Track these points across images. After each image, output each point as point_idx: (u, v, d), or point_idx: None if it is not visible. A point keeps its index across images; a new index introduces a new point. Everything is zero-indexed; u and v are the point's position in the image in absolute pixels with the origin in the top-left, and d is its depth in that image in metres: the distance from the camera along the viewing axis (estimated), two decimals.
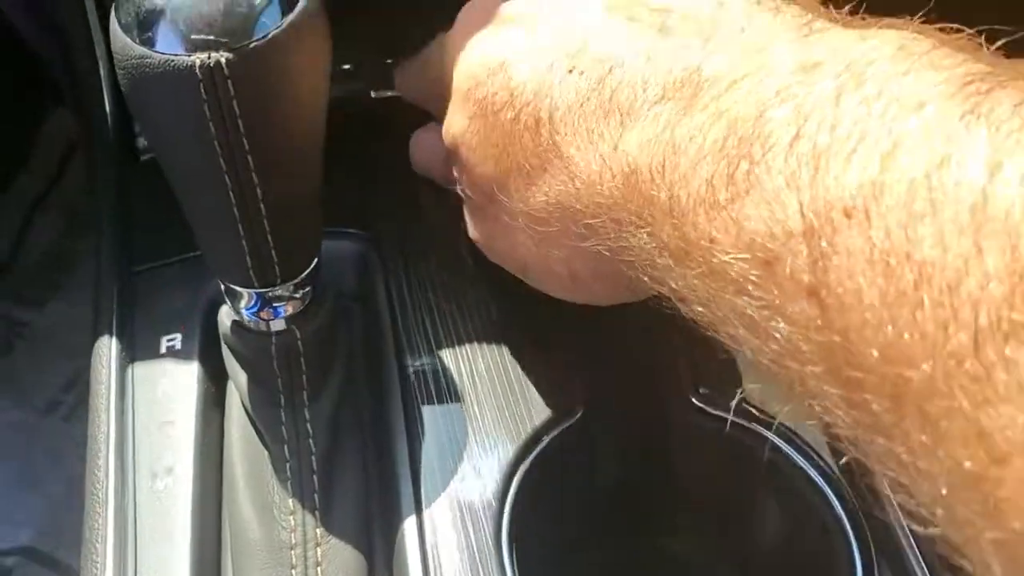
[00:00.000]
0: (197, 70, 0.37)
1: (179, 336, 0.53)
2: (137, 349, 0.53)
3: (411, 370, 0.51)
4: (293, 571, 0.44)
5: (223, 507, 0.48)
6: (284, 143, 0.41)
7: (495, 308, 0.53)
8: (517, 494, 0.47)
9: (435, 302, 0.54)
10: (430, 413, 0.49)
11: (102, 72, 0.65)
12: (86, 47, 0.65)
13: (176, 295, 0.55)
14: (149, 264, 0.58)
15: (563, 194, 0.39)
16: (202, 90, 0.38)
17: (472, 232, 0.49)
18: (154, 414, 0.50)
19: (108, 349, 0.53)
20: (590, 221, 0.38)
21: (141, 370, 0.52)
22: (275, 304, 0.46)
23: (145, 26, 0.39)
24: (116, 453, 0.48)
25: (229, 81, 0.38)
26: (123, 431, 0.50)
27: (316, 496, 0.46)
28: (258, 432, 0.48)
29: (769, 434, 0.49)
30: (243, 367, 0.49)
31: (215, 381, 0.52)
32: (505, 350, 0.52)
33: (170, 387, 0.51)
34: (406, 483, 0.47)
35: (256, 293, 0.46)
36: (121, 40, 0.39)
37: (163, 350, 0.53)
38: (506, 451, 0.48)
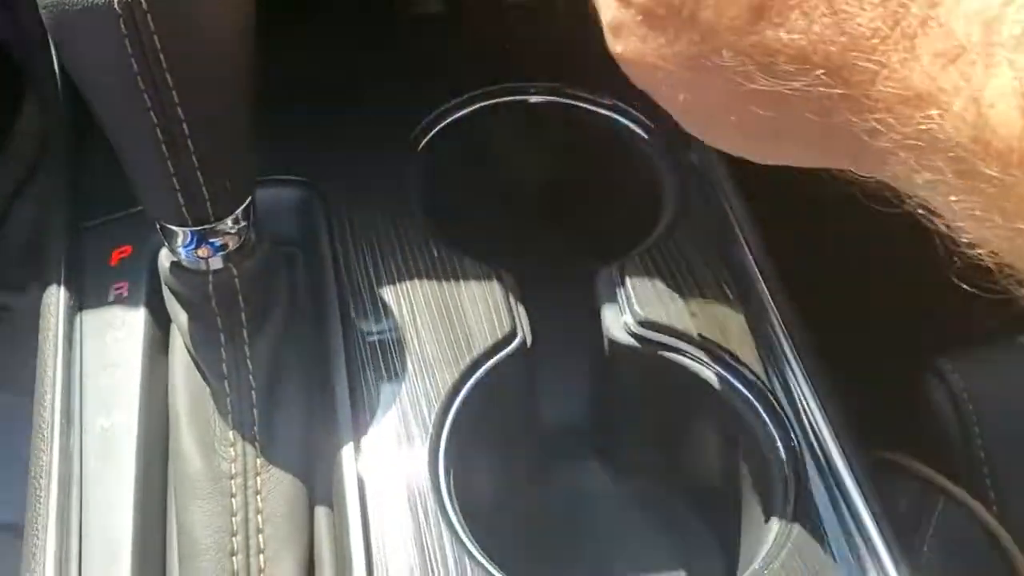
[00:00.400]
0: (116, 5, 0.38)
1: (126, 284, 0.54)
2: (85, 298, 0.54)
3: (352, 308, 0.52)
4: (233, 500, 0.45)
5: (171, 445, 0.49)
6: (207, 78, 0.42)
7: (435, 245, 0.54)
8: (455, 422, 0.48)
9: (376, 242, 0.55)
10: (371, 348, 0.50)
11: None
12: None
13: (123, 246, 0.56)
14: (98, 219, 0.58)
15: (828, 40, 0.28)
16: (122, 25, 0.38)
17: (620, 47, 0.37)
18: (102, 358, 0.51)
19: (56, 298, 0.54)
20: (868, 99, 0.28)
21: (89, 317, 0.53)
22: (210, 240, 0.47)
23: None
24: (63, 394, 0.49)
25: (148, 16, 0.38)
26: (70, 374, 0.50)
27: (256, 428, 0.47)
28: (200, 370, 0.49)
29: (700, 355, 0.50)
30: (183, 307, 0.49)
31: (161, 326, 0.53)
32: (445, 285, 0.53)
33: (118, 332, 0.52)
34: (345, 414, 0.48)
35: (191, 231, 0.46)
36: None
37: (111, 298, 0.54)
38: (445, 380, 0.48)
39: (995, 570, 0.62)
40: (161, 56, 0.40)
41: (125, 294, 0.54)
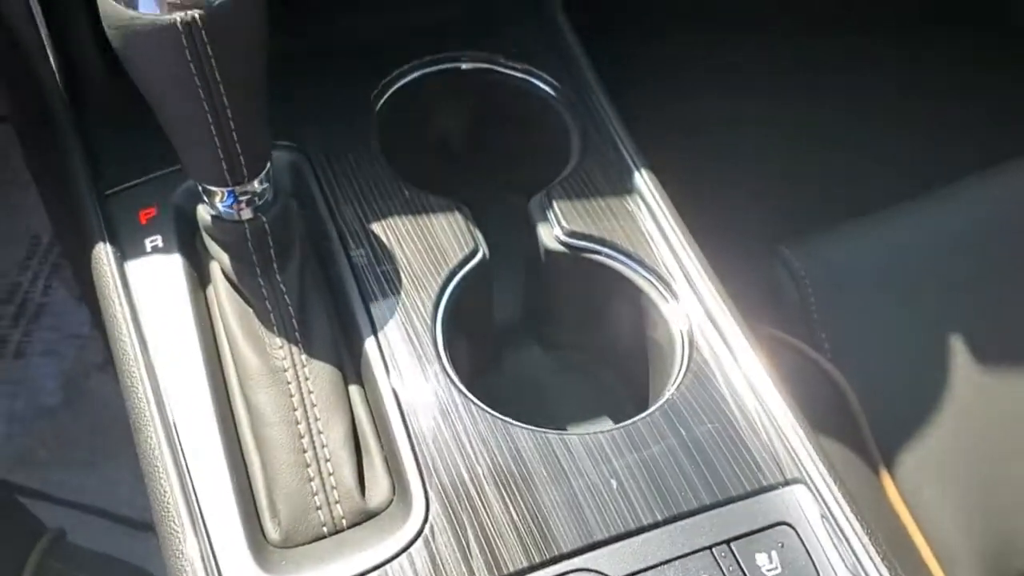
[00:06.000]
0: (179, 25, 0.52)
1: (160, 237, 0.68)
2: (127, 252, 0.67)
3: (350, 239, 0.67)
4: (290, 386, 0.61)
5: (220, 351, 0.64)
6: (244, 74, 0.56)
7: (404, 187, 0.70)
8: (443, 316, 0.64)
9: (358, 188, 0.70)
10: (371, 269, 0.66)
11: (43, 33, 0.76)
12: (26, 14, 0.76)
13: (148, 208, 0.69)
14: (118, 187, 0.71)
15: None
16: (184, 40, 0.52)
17: None
18: (154, 298, 0.65)
19: (105, 254, 0.67)
20: None
21: (134, 267, 0.67)
22: (242, 197, 0.61)
23: None
24: (133, 325, 0.63)
25: (203, 31, 0.52)
26: (134, 311, 0.64)
27: (297, 333, 0.63)
28: (242, 296, 0.64)
29: (612, 253, 0.68)
30: (224, 250, 0.64)
31: (195, 267, 0.67)
32: (418, 217, 0.69)
33: (161, 276, 0.66)
34: (362, 317, 0.64)
35: (228, 191, 0.61)
36: (111, 7, 0.52)
37: (148, 250, 0.68)
38: (432, 286, 0.65)
39: (830, 398, 0.84)
40: (212, 61, 0.53)
41: (160, 245, 0.68)
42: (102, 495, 1.28)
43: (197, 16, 0.51)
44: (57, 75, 0.76)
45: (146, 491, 0.60)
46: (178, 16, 0.51)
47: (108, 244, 0.68)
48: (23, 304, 1.45)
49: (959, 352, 0.88)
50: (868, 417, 0.84)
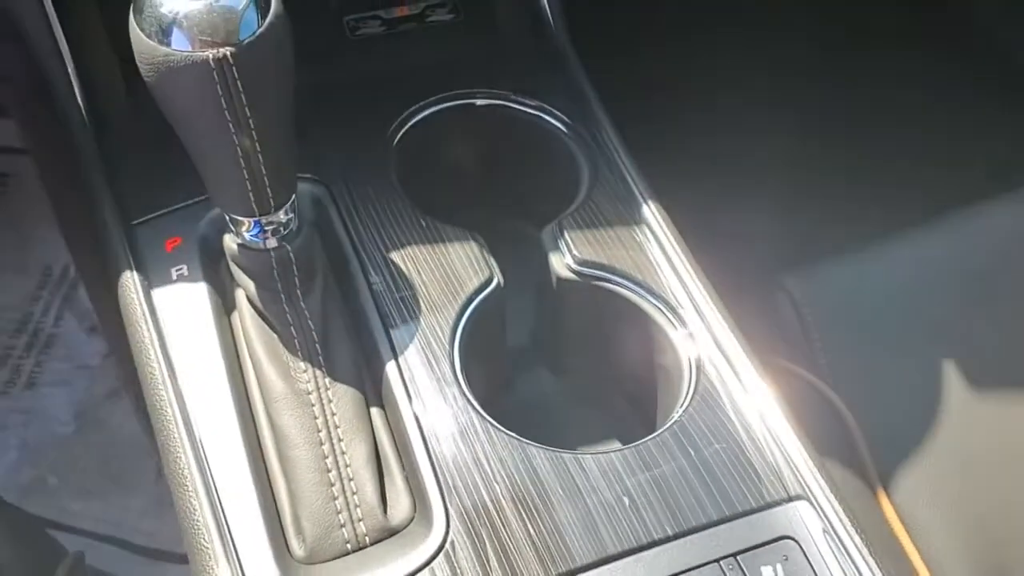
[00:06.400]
0: (211, 62, 0.54)
1: (185, 266, 0.70)
2: (153, 280, 0.70)
3: (370, 267, 0.70)
4: (313, 408, 0.63)
5: (245, 375, 0.66)
6: (272, 108, 0.59)
7: (422, 218, 0.73)
8: (460, 342, 0.67)
9: (376, 219, 0.73)
10: (390, 295, 0.69)
11: (69, 67, 0.79)
12: (52, 48, 0.79)
13: (174, 237, 0.72)
14: (144, 217, 0.74)
15: None
16: (215, 76, 0.55)
17: None
18: (181, 322, 0.68)
19: (132, 282, 0.69)
20: None
21: (161, 295, 0.69)
22: (268, 226, 0.64)
23: (165, 33, 0.55)
24: (161, 351, 0.66)
25: (234, 68, 0.55)
26: (161, 337, 0.67)
27: (320, 358, 0.65)
28: (268, 322, 0.67)
29: (623, 282, 0.71)
30: (249, 277, 0.66)
31: (220, 294, 0.70)
32: (435, 246, 0.71)
33: (187, 303, 0.69)
34: (383, 340, 0.66)
35: (255, 220, 0.63)
36: (145, 43, 0.55)
37: (174, 278, 0.70)
38: (449, 314, 0.68)
39: (830, 423, 0.87)
40: (242, 96, 0.56)
41: (186, 273, 0.70)
42: (113, 523, 1.30)
43: (228, 53, 0.54)
44: (82, 108, 0.79)
45: (169, 514, 0.62)
46: (210, 53, 0.54)
47: (135, 272, 0.70)
48: (35, 334, 1.47)
49: (956, 378, 0.91)
50: (867, 442, 0.86)
